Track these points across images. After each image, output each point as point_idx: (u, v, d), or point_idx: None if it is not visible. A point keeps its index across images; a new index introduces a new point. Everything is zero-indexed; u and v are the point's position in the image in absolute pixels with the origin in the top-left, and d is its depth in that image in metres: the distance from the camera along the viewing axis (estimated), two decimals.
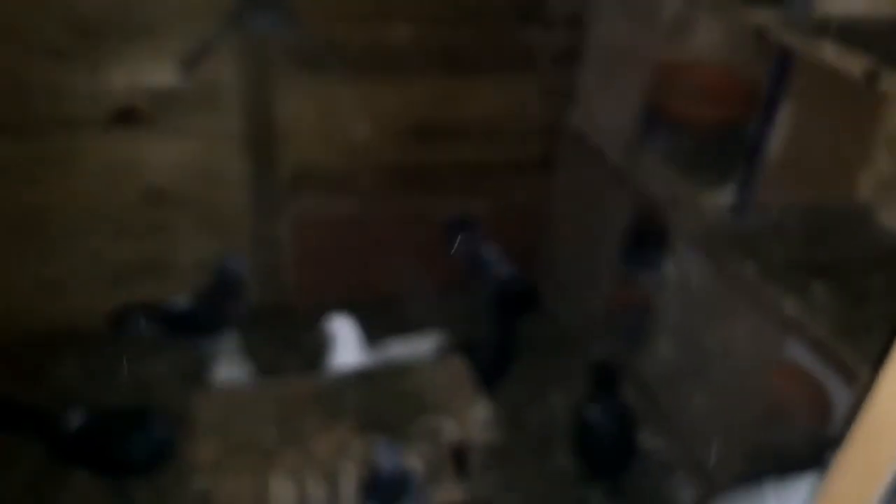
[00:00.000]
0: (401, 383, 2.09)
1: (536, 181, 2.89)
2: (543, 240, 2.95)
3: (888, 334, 1.51)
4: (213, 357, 2.42)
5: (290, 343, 2.63)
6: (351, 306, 2.30)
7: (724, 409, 2.03)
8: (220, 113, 2.44)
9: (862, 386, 1.48)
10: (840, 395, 1.85)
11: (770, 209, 2.02)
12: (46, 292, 2.54)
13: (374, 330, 2.28)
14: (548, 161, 2.86)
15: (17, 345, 2.50)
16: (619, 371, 2.11)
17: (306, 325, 2.56)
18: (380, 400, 2.03)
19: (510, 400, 2.47)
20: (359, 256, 2.78)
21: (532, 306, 2.69)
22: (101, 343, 2.51)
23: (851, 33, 1.65)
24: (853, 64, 1.58)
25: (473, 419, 2.02)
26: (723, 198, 2.05)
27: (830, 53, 1.63)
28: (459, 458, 2.10)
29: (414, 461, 1.97)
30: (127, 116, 2.36)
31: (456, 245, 2.76)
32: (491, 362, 2.28)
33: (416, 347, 2.37)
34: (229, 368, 2.38)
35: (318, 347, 2.22)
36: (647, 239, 2.37)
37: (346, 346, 2.14)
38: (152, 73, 2.33)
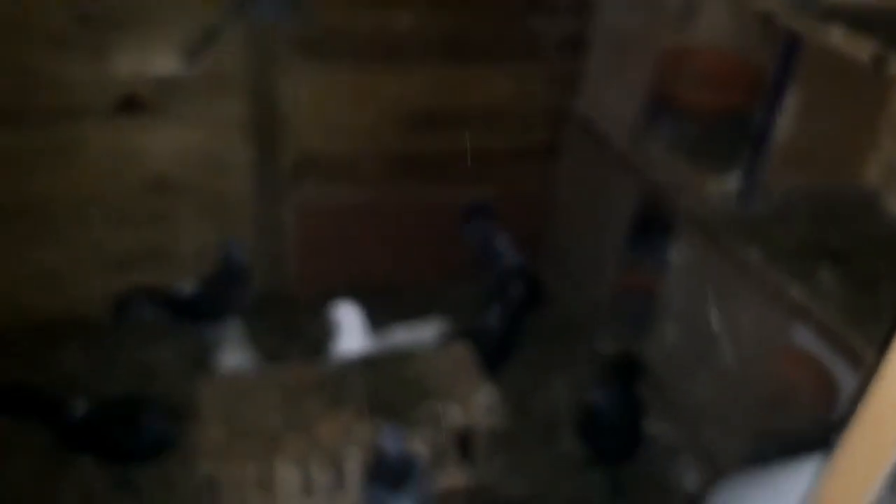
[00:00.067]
0: (405, 369, 2.10)
1: (542, 168, 2.88)
2: (549, 226, 2.94)
3: (894, 319, 1.50)
4: (217, 344, 2.43)
5: (293, 330, 2.64)
6: (354, 294, 2.30)
7: (729, 394, 2.03)
8: (223, 101, 2.43)
9: (867, 369, 1.48)
10: (846, 380, 1.85)
11: (776, 195, 2.01)
12: (49, 280, 2.54)
13: (377, 317, 2.28)
14: (553, 148, 2.85)
15: (20, 333, 2.50)
16: (639, 363, 2.11)
17: (309, 312, 2.57)
18: (384, 386, 2.04)
19: (515, 386, 2.47)
20: (362, 244, 2.78)
21: (538, 300, 2.68)
22: (104, 331, 2.52)
23: (859, 19, 1.64)
24: (861, 48, 1.57)
25: (477, 404, 2.02)
26: (729, 184, 2.04)
27: (838, 38, 1.62)
28: (464, 444, 2.10)
29: (418, 446, 1.98)
30: (130, 104, 2.36)
31: (469, 231, 2.76)
32: (493, 349, 2.28)
33: (420, 334, 2.37)
34: (233, 355, 2.38)
35: (321, 335, 2.23)
36: (652, 225, 2.36)
37: (351, 332, 2.14)
38: (156, 61, 2.32)
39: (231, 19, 2.30)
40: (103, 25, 2.22)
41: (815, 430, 1.79)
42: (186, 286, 2.41)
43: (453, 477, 2.12)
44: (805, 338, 1.83)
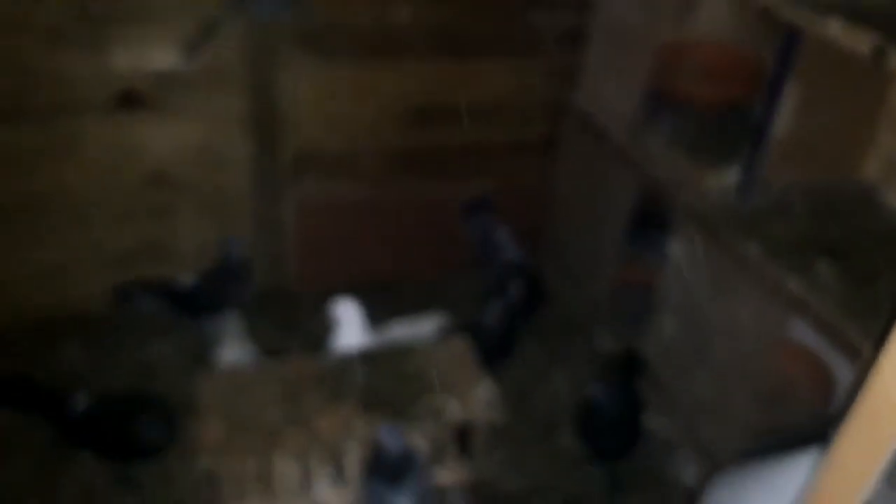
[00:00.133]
0: (404, 364, 2.10)
1: (540, 162, 2.88)
2: (548, 221, 2.94)
3: (891, 312, 1.50)
4: (216, 339, 2.43)
5: (292, 325, 2.64)
6: (353, 289, 2.30)
7: (727, 389, 2.03)
8: (222, 96, 2.43)
9: (864, 363, 1.48)
10: (844, 373, 1.85)
11: (775, 189, 2.01)
12: (49, 277, 2.54)
13: (376, 312, 2.28)
14: (552, 142, 2.85)
15: (20, 330, 2.50)
16: (640, 359, 2.11)
17: (309, 307, 2.58)
18: (383, 380, 2.04)
19: (514, 381, 2.48)
20: (361, 239, 2.77)
21: (537, 297, 2.68)
22: (104, 327, 2.52)
23: (858, 12, 1.63)
24: (860, 41, 1.57)
25: (477, 399, 2.02)
26: (728, 178, 2.04)
27: (837, 31, 1.62)
28: (463, 439, 2.10)
29: (418, 441, 1.98)
30: (130, 100, 2.35)
31: (469, 226, 2.76)
32: (491, 346, 2.29)
33: (419, 328, 2.38)
34: (233, 350, 2.39)
35: (320, 329, 2.23)
36: (651, 220, 2.36)
37: (350, 329, 2.14)
38: (155, 56, 2.32)
39: (230, 14, 2.30)
40: (102, 20, 2.22)
41: (813, 424, 1.80)
42: (187, 280, 2.42)
43: (452, 472, 2.12)
44: (803, 332, 1.83)
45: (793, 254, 1.82)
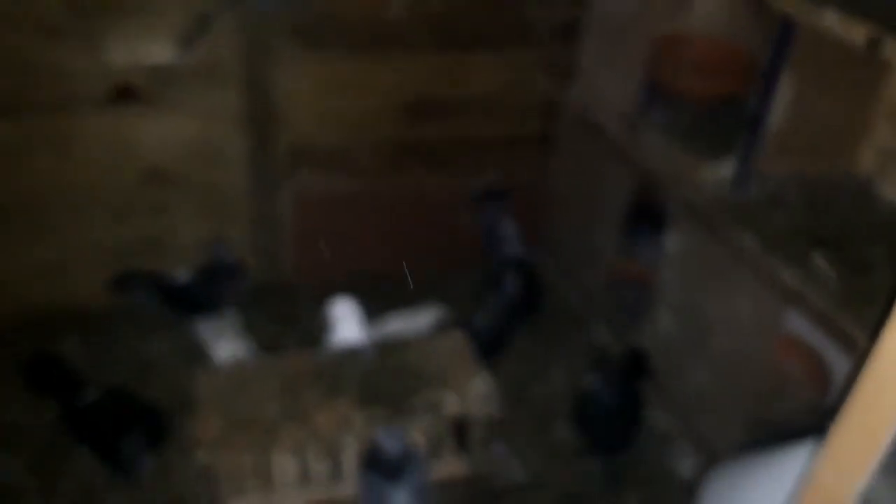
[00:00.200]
0: (401, 358, 2.10)
1: (537, 156, 2.87)
2: (544, 215, 2.94)
3: (886, 304, 1.51)
4: (213, 335, 2.43)
5: (289, 320, 2.64)
6: (350, 284, 2.30)
7: (724, 381, 2.04)
8: (217, 90, 2.42)
9: (860, 354, 1.49)
10: (840, 365, 1.86)
11: (770, 181, 2.01)
12: (46, 273, 2.53)
13: (373, 307, 2.28)
14: (548, 137, 2.84)
15: (18, 325, 2.50)
16: (646, 359, 2.11)
17: (306, 302, 2.57)
18: (380, 375, 2.04)
19: (511, 375, 2.48)
20: (357, 234, 2.77)
21: (534, 294, 2.69)
22: (103, 323, 2.52)
23: (852, 2, 1.63)
24: (855, 32, 1.57)
25: (474, 393, 2.03)
26: (723, 171, 2.04)
27: (832, 22, 1.62)
28: (460, 433, 2.11)
29: (415, 435, 1.98)
30: (124, 94, 2.35)
31: (480, 215, 2.75)
32: (482, 342, 2.29)
33: (415, 321, 2.38)
34: (230, 346, 2.39)
35: (317, 325, 2.23)
36: (647, 213, 2.36)
37: (348, 329, 2.14)
38: (149, 49, 2.31)
39: (224, 6, 2.29)
40: (96, 13, 2.21)
41: (809, 415, 1.80)
42: (182, 275, 2.42)
43: (450, 466, 2.13)
44: (799, 323, 1.83)
45: (788, 245, 1.82)
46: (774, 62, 1.86)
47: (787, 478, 1.23)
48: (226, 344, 2.39)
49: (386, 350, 2.12)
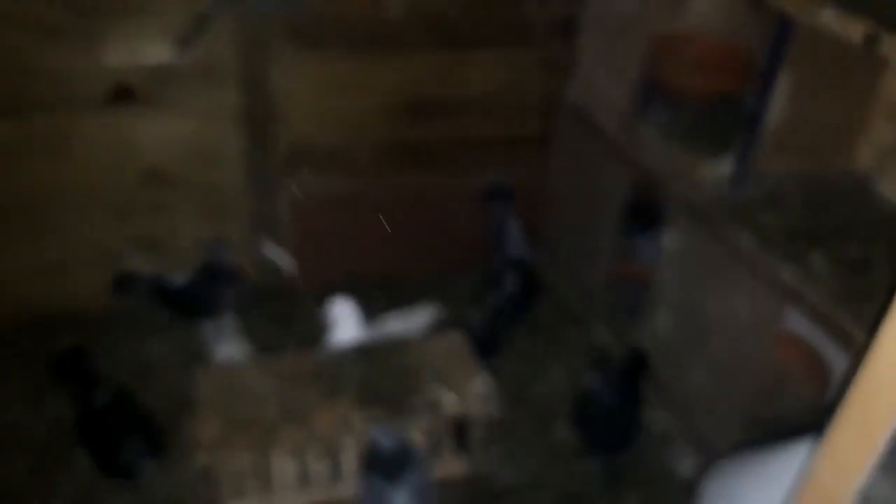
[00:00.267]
0: (400, 358, 2.10)
1: (535, 156, 2.87)
2: (543, 214, 2.94)
3: (884, 301, 1.50)
4: (212, 337, 2.43)
5: (288, 321, 2.63)
6: (348, 284, 2.30)
7: (723, 380, 2.04)
8: (215, 90, 2.42)
9: (858, 351, 1.49)
10: (839, 363, 1.86)
11: (768, 179, 2.01)
12: (46, 273, 2.53)
13: (372, 307, 2.28)
14: (546, 135, 2.84)
15: (17, 325, 2.50)
16: (646, 360, 2.11)
17: (305, 303, 2.57)
18: (379, 375, 2.04)
19: (511, 374, 2.48)
20: (355, 234, 2.77)
21: (533, 294, 2.68)
22: (103, 324, 2.52)
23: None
24: (852, 29, 1.57)
25: (474, 393, 2.02)
26: (721, 169, 2.04)
27: (830, 19, 1.62)
28: (460, 433, 2.11)
29: (415, 435, 1.98)
30: (123, 95, 2.35)
31: (488, 213, 2.76)
32: (481, 336, 2.29)
33: (413, 321, 2.38)
34: (229, 347, 2.38)
35: (316, 325, 2.23)
36: (645, 212, 2.36)
37: (348, 329, 2.14)
38: (147, 50, 2.31)
39: (223, 6, 2.29)
40: (95, 15, 2.21)
41: (808, 413, 1.80)
42: (180, 277, 2.42)
43: (450, 466, 2.13)
44: (797, 321, 1.83)
45: (787, 243, 1.82)
46: (772, 60, 1.86)
47: (786, 476, 1.22)
48: (225, 345, 2.39)
49: (385, 350, 2.12)
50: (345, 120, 2.60)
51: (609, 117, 2.46)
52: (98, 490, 2.07)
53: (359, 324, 2.16)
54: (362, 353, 2.10)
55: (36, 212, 2.45)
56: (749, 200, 1.98)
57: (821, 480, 0.94)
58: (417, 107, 2.65)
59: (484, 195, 2.75)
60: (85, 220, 2.50)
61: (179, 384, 2.22)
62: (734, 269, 1.92)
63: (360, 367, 2.06)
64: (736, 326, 1.95)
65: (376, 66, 2.55)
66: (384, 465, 1.84)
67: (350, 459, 1.99)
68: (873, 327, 0.85)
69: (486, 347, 2.31)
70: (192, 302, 2.43)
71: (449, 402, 2.00)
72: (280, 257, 2.17)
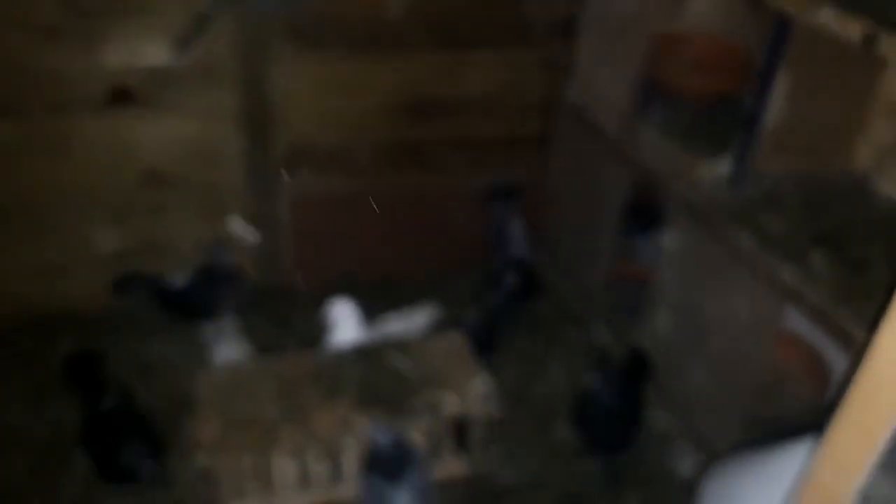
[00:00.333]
0: (400, 358, 2.10)
1: (535, 156, 2.87)
2: (543, 214, 2.94)
3: (884, 300, 1.50)
4: (212, 337, 2.43)
5: (288, 322, 2.63)
6: (348, 284, 2.30)
7: (723, 380, 2.04)
8: (214, 91, 2.42)
9: (858, 351, 1.49)
10: (839, 363, 1.86)
11: (767, 179, 2.01)
12: (46, 273, 2.53)
13: (372, 307, 2.28)
14: (545, 135, 2.84)
15: (17, 325, 2.50)
16: (648, 362, 2.11)
17: (304, 302, 2.57)
18: (379, 376, 2.04)
19: (511, 375, 2.48)
20: (355, 234, 2.77)
21: (532, 295, 2.69)
22: (101, 324, 2.52)
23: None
24: (851, 28, 1.57)
25: (473, 393, 2.02)
26: (720, 169, 2.04)
27: (828, 18, 1.62)
28: (460, 433, 2.11)
29: (415, 436, 1.98)
30: (122, 96, 2.34)
31: (490, 212, 2.76)
32: (477, 335, 2.29)
33: (412, 321, 2.38)
34: (228, 348, 2.38)
35: (316, 326, 2.23)
36: (645, 212, 2.36)
37: (347, 330, 2.14)
38: (147, 51, 2.31)
39: (222, 6, 2.29)
40: (93, 14, 2.21)
41: (808, 413, 1.80)
42: (180, 278, 2.42)
43: (450, 466, 2.13)
44: (797, 321, 1.83)
45: (786, 243, 1.82)
46: (771, 60, 1.86)
47: (786, 476, 1.23)
48: (225, 346, 2.39)
49: (384, 351, 2.12)
50: (345, 120, 2.61)
51: (609, 117, 2.46)
52: (98, 491, 2.07)
53: (358, 324, 2.16)
54: (362, 353, 2.10)
55: (36, 212, 2.44)
56: (748, 200, 1.98)
57: (821, 480, 0.95)
58: (417, 107, 2.65)
59: (486, 195, 2.75)
60: (85, 221, 2.50)
61: (179, 385, 2.22)
62: (734, 269, 1.92)
63: (360, 367, 2.06)
64: (736, 326, 1.95)
65: (376, 66, 2.55)
66: (384, 466, 1.84)
67: (350, 460, 1.99)
68: (873, 327, 0.85)
69: (483, 345, 2.31)
70: (191, 303, 2.43)
71: (449, 402, 2.00)
72: (245, 231, 2.18)
